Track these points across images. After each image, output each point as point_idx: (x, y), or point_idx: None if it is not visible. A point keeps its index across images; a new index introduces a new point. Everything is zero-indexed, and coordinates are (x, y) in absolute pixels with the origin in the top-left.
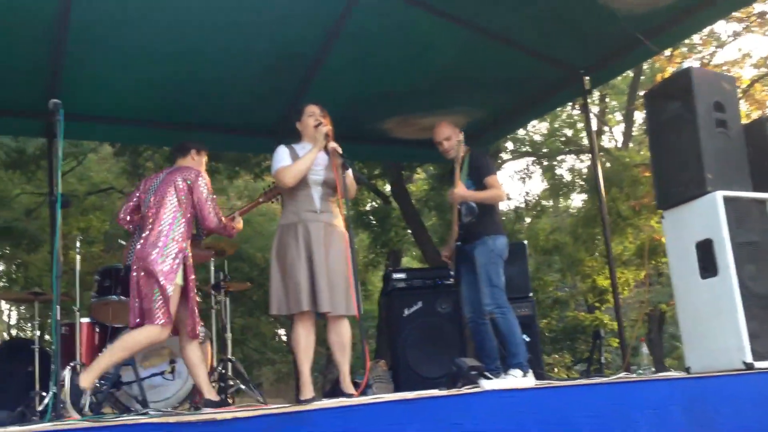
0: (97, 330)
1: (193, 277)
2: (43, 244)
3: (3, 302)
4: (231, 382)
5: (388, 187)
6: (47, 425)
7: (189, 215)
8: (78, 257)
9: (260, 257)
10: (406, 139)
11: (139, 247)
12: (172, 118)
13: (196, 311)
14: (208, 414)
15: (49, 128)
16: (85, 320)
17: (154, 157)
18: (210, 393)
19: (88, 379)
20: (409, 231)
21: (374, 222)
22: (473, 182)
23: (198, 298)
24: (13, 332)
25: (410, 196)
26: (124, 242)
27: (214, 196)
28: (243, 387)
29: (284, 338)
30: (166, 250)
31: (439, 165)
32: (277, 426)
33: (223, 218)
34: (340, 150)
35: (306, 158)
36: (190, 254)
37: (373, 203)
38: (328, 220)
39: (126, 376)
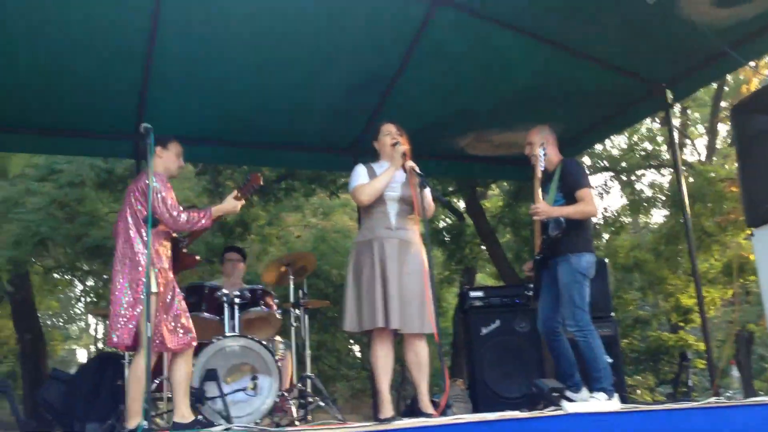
0: None
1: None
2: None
3: (91, 317)
4: (310, 399)
5: (461, 204)
6: None
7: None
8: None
9: (336, 274)
10: (482, 155)
11: None
12: (251, 138)
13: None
14: (294, 430)
15: (137, 149)
16: None
17: (234, 176)
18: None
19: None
20: (484, 248)
21: (448, 239)
22: (563, 195)
23: (278, 316)
24: (100, 346)
25: (485, 213)
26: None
27: (163, 195)
28: (322, 404)
29: (358, 354)
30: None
31: (515, 181)
32: None
33: (182, 214)
34: (417, 169)
35: (383, 177)
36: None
37: (447, 220)
38: (403, 237)
39: (210, 392)
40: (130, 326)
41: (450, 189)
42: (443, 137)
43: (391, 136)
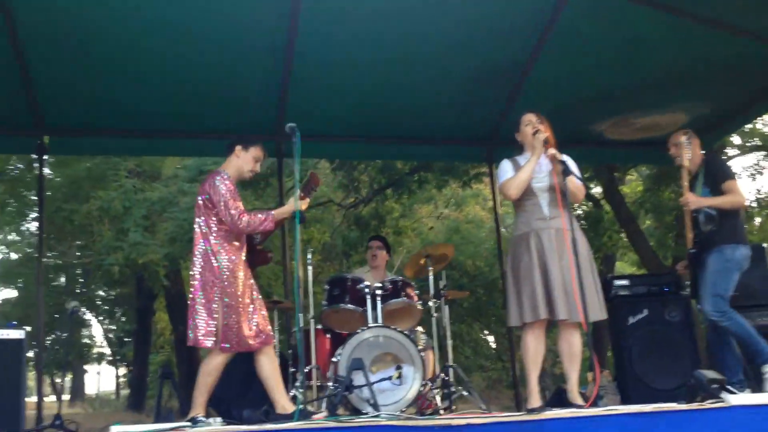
0: (328, 336)
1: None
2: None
3: None
4: (453, 389)
5: (597, 190)
6: (298, 424)
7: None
8: (310, 268)
9: (470, 264)
10: (622, 140)
11: None
12: (385, 133)
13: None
14: (444, 419)
15: (278, 148)
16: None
17: (368, 170)
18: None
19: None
20: (623, 235)
21: (585, 226)
22: (710, 189)
23: (419, 306)
24: None
25: (624, 199)
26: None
27: (226, 199)
28: (465, 393)
29: (493, 345)
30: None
31: (656, 165)
32: None
33: (242, 216)
34: (560, 156)
35: (526, 168)
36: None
37: (584, 206)
38: (558, 226)
39: (356, 380)
40: (208, 326)
41: (586, 175)
42: (581, 122)
43: (531, 126)
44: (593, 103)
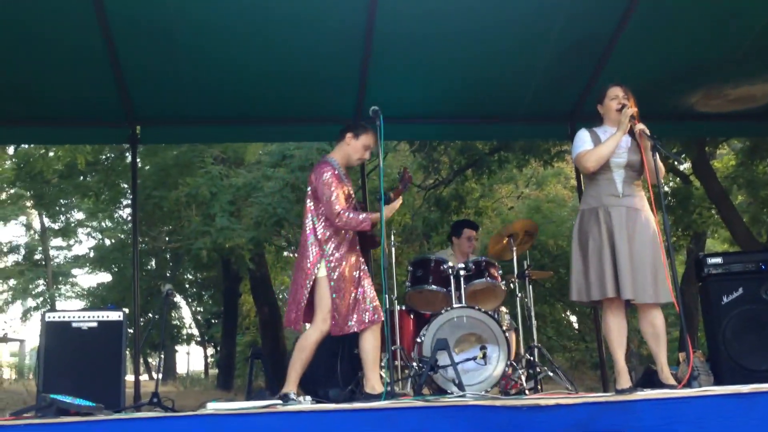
0: (412, 317)
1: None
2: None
3: None
4: (539, 369)
5: (684, 165)
6: (386, 403)
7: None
8: (393, 249)
9: (551, 244)
10: (714, 113)
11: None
12: (465, 113)
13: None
14: (532, 399)
15: None
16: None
17: (448, 151)
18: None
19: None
20: (714, 212)
21: (674, 203)
22: None
23: (503, 287)
24: None
25: (715, 174)
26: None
27: (331, 190)
28: (551, 374)
29: (576, 326)
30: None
31: (749, 138)
32: (600, 414)
33: (342, 215)
34: (648, 131)
35: (609, 142)
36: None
37: (671, 183)
38: (631, 204)
39: (441, 361)
40: (298, 308)
41: (673, 150)
42: (669, 96)
43: (617, 100)
44: (683, 75)
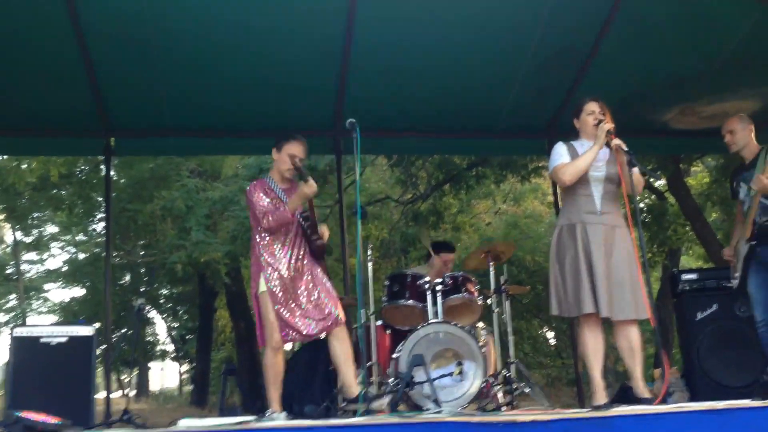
0: (388, 332)
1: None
2: (330, 252)
3: None
4: (515, 385)
5: (659, 182)
6: (362, 420)
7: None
8: (370, 264)
9: (529, 259)
10: (688, 129)
11: None
12: (443, 127)
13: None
14: (508, 416)
15: (336, 145)
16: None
17: (426, 166)
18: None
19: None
20: (688, 228)
21: (649, 219)
22: None
23: (480, 302)
24: None
25: (690, 191)
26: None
27: (253, 204)
28: (527, 390)
29: (552, 342)
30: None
31: (722, 156)
32: (577, 430)
33: (266, 217)
34: (625, 147)
35: (586, 156)
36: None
37: (647, 200)
38: (608, 222)
39: (417, 377)
40: (259, 326)
41: (648, 167)
42: (645, 112)
43: (594, 116)
44: (658, 91)
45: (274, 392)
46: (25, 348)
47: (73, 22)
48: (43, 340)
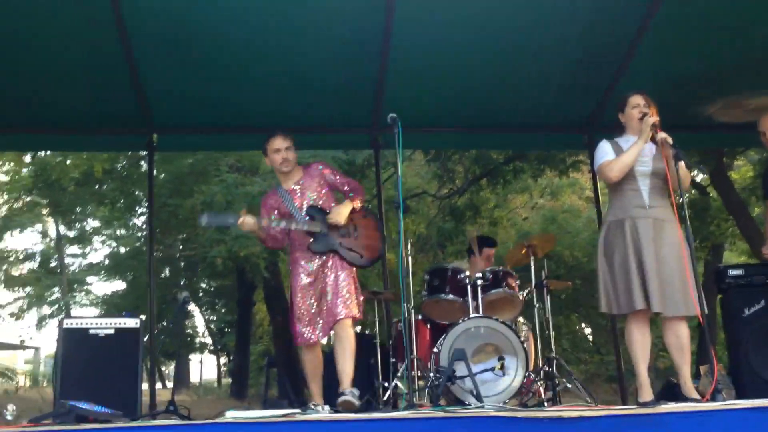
0: (429, 326)
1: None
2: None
3: None
4: (557, 381)
5: (702, 176)
6: (405, 413)
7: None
8: (409, 258)
9: (567, 254)
10: (732, 123)
11: None
12: (481, 122)
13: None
14: (554, 411)
15: (374, 140)
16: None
17: (463, 160)
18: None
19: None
20: (732, 223)
21: (692, 215)
22: None
23: (521, 297)
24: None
25: (733, 185)
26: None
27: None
28: (569, 385)
29: (590, 338)
30: None
31: (766, 150)
32: (625, 427)
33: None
34: (670, 140)
35: (631, 151)
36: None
37: (689, 195)
38: (657, 216)
39: (458, 371)
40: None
41: (691, 161)
42: (687, 105)
43: (638, 109)
44: (701, 84)
45: (314, 386)
46: (73, 339)
47: (118, 22)
48: (91, 331)
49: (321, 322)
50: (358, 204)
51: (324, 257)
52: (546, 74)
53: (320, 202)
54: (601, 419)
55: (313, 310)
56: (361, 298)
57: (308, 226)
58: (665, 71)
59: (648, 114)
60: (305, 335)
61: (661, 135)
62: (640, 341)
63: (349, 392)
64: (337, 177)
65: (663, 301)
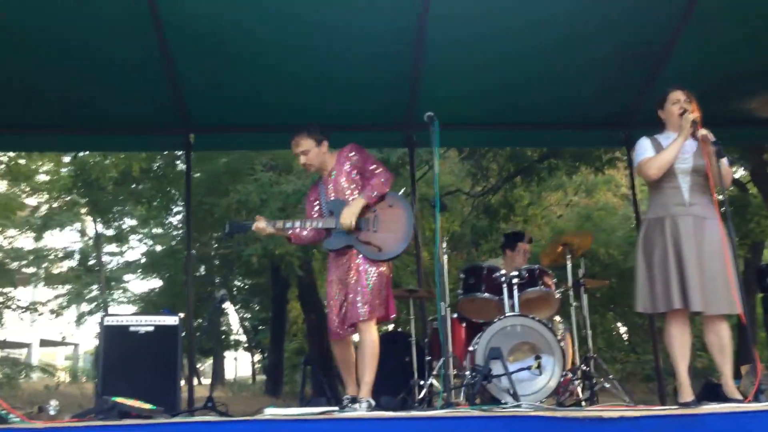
0: (464, 325)
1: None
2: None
3: None
4: (595, 380)
5: (740, 173)
6: (444, 412)
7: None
8: (445, 256)
9: (603, 252)
10: None
11: None
12: (515, 119)
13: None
14: (594, 411)
15: (408, 138)
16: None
17: (497, 158)
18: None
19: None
20: None
21: (731, 212)
22: None
23: (557, 295)
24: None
25: None
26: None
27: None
28: (607, 385)
29: (625, 337)
30: None
31: None
32: (666, 428)
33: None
34: (711, 137)
35: (672, 148)
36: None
37: (729, 192)
38: (698, 213)
39: (494, 370)
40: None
41: (733, 157)
42: (727, 101)
43: (679, 105)
44: (742, 79)
45: (346, 376)
46: (114, 336)
47: (155, 23)
48: (131, 328)
49: (345, 319)
50: (372, 199)
51: (346, 253)
52: (583, 69)
53: (352, 187)
54: (642, 419)
55: (340, 306)
56: (392, 296)
57: (323, 224)
58: (706, 66)
59: (688, 110)
60: (333, 329)
61: (702, 132)
62: (679, 340)
63: (361, 404)
64: (367, 163)
65: (704, 299)
